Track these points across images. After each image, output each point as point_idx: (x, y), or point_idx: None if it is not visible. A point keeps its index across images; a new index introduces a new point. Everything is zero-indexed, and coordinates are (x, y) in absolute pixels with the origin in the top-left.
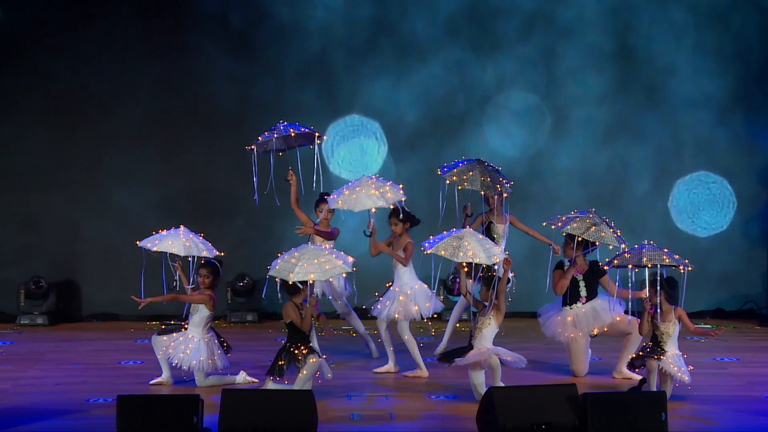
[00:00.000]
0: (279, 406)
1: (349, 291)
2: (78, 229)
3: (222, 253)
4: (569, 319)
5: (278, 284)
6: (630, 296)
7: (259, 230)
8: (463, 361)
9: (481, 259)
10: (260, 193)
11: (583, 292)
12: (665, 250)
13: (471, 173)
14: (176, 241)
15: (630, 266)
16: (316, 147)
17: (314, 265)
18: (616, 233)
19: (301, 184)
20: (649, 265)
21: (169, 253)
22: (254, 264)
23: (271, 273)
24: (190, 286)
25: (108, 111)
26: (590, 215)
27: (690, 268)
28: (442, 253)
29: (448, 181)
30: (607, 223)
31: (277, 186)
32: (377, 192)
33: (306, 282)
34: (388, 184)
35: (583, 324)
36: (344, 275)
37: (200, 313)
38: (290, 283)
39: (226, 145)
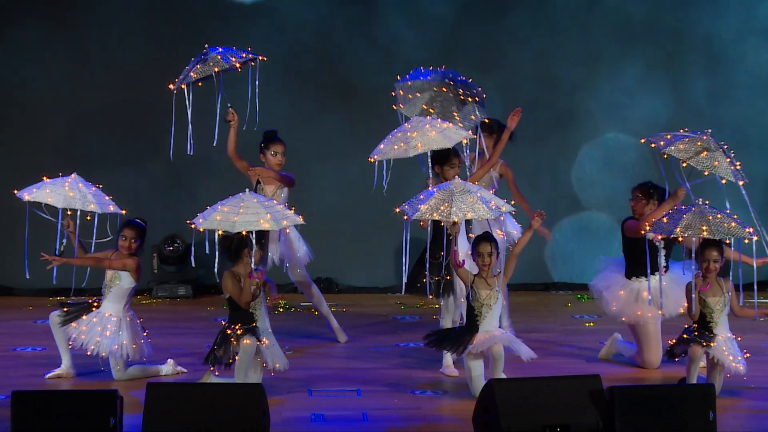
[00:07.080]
0: (220, 404)
1: (310, 257)
2: None
3: (124, 211)
4: (645, 294)
5: (220, 247)
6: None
7: (190, 179)
8: (477, 347)
9: (481, 212)
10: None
11: (663, 262)
12: (718, 216)
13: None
14: (56, 190)
15: (659, 238)
16: (250, 70)
17: (264, 209)
18: (735, 165)
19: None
20: (681, 239)
21: (44, 205)
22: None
23: (203, 225)
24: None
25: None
26: (705, 137)
27: (756, 238)
28: (435, 216)
29: (396, 106)
30: (724, 151)
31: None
32: (453, 126)
33: (250, 245)
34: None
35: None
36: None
37: (122, 286)
38: (234, 238)
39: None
